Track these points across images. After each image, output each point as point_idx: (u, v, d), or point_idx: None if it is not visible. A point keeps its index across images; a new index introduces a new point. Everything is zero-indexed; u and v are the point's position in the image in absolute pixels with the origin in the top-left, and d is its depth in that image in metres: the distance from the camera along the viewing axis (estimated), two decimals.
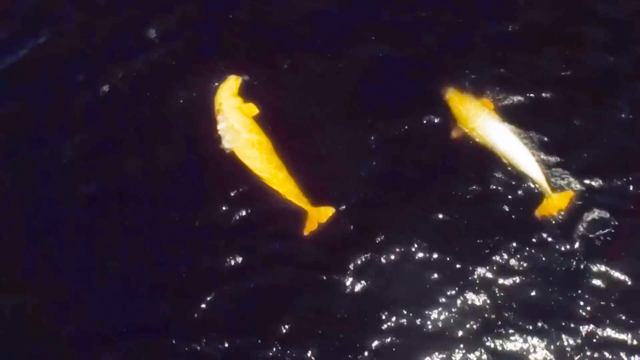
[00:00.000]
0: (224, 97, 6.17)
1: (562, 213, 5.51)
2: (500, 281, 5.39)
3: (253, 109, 6.11)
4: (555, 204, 5.52)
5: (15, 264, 5.93)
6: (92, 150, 6.34)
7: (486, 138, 5.78)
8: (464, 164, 5.85)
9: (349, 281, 5.48)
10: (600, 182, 5.63)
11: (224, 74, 6.35)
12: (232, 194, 5.91)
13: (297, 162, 5.93)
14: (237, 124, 6.01)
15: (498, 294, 5.36)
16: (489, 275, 5.41)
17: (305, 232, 5.65)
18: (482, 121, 5.79)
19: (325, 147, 6.09)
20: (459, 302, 5.36)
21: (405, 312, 5.35)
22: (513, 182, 5.72)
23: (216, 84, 6.31)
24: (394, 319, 5.34)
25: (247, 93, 6.24)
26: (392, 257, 5.54)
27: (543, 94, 6.07)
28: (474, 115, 5.83)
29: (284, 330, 5.38)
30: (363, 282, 5.48)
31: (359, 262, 5.55)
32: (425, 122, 6.06)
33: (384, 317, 5.35)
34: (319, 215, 5.69)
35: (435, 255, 5.52)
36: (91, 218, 6.03)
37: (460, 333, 5.27)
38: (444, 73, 6.22)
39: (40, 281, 5.83)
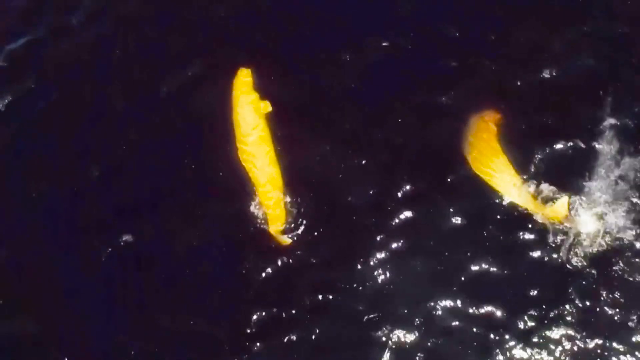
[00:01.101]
0: (240, 92, 6.19)
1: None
2: (500, 290, 5.38)
3: (267, 107, 6.12)
4: (556, 215, 5.49)
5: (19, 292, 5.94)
6: (100, 171, 6.34)
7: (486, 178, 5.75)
8: (467, 177, 5.79)
9: (343, 297, 5.49)
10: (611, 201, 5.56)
11: (233, 68, 6.33)
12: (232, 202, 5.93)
13: (295, 163, 5.96)
14: (248, 121, 6.04)
15: (497, 304, 5.34)
16: (492, 288, 5.40)
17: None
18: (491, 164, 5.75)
19: (327, 151, 6.06)
20: (457, 317, 5.32)
21: (404, 329, 5.32)
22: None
23: (228, 79, 6.30)
24: (391, 335, 5.32)
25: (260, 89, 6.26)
26: (390, 271, 5.51)
27: (549, 109, 5.98)
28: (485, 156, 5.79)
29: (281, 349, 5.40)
30: (358, 296, 5.47)
31: (354, 277, 5.54)
32: (433, 132, 6.00)
33: (380, 334, 5.33)
34: (277, 240, 5.73)
35: (435, 270, 5.50)
36: (104, 247, 5.98)
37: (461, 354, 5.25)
38: (461, 84, 6.16)
39: (43, 308, 5.84)
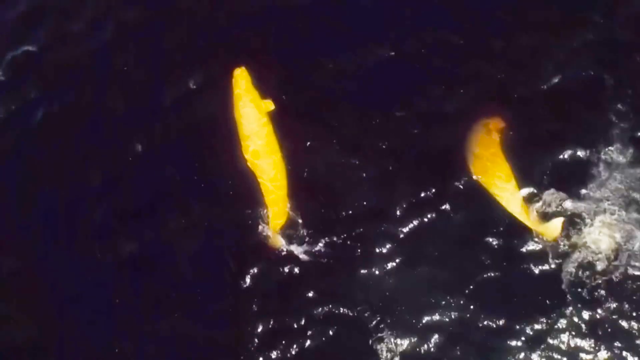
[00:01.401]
0: (240, 93, 6.13)
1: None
2: (504, 299, 5.39)
3: (269, 105, 6.06)
4: (548, 235, 5.46)
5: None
6: (102, 178, 6.32)
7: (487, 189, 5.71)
8: (470, 185, 5.76)
9: (345, 304, 5.49)
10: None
11: (228, 69, 6.27)
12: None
13: (298, 165, 5.94)
14: (252, 121, 5.99)
15: (501, 313, 5.35)
16: (488, 300, 5.40)
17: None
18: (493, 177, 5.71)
19: (331, 155, 6.05)
20: (460, 324, 5.34)
21: (405, 335, 5.34)
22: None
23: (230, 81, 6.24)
24: (392, 342, 5.34)
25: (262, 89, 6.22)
26: (392, 279, 5.52)
27: (554, 117, 5.95)
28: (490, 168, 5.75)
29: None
30: (360, 303, 5.48)
31: (356, 284, 5.56)
32: (437, 138, 5.98)
33: (381, 340, 5.34)
34: (273, 240, 5.71)
35: (438, 278, 5.51)
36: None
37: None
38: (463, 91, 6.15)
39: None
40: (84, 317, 5.79)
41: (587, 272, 5.32)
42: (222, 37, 6.74)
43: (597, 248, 5.33)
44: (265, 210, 5.80)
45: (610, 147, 5.69)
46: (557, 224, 5.39)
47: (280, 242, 5.67)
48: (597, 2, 6.32)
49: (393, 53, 6.35)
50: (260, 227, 5.78)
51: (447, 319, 5.37)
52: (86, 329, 5.74)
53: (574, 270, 5.33)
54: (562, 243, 5.43)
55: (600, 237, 5.35)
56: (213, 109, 6.29)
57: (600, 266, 5.31)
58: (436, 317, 5.38)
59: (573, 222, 5.47)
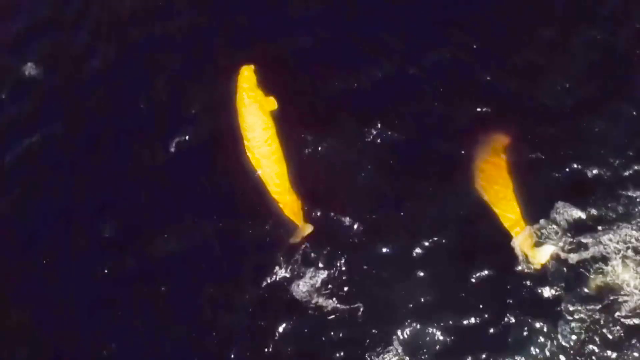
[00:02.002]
0: (244, 90, 6.10)
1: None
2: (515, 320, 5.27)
3: (273, 104, 6.05)
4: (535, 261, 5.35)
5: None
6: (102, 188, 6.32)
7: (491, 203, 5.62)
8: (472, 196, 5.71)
9: (336, 304, 5.45)
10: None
11: (236, 66, 6.29)
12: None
13: (300, 163, 5.93)
14: (255, 118, 5.96)
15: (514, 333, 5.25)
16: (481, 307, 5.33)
17: (291, 242, 5.62)
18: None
19: (332, 152, 6.03)
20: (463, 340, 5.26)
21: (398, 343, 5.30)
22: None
23: (232, 77, 6.26)
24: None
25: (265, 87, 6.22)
26: (386, 289, 5.49)
27: (563, 133, 5.88)
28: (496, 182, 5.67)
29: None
30: (352, 302, 5.45)
31: (357, 296, 5.49)
32: (442, 150, 5.95)
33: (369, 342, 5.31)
34: (306, 230, 5.63)
35: (440, 293, 5.45)
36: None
37: None
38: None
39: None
40: (88, 329, 5.74)
41: (590, 297, 5.24)
42: (224, 46, 6.78)
43: (618, 281, 5.21)
44: (279, 211, 5.74)
45: (621, 167, 5.60)
46: (544, 251, 5.29)
47: (309, 229, 5.60)
48: (602, 18, 6.36)
49: (400, 66, 6.36)
50: (274, 231, 5.75)
51: (449, 336, 5.28)
52: (90, 342, 5.68)
53: (579, 292, 5.25)
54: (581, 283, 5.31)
55: (623, 274, 5.22)
56: (218, 119, 6.29)
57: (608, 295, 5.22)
58: (440, 332, 5.31)
59: (590, 253, 5.35)
